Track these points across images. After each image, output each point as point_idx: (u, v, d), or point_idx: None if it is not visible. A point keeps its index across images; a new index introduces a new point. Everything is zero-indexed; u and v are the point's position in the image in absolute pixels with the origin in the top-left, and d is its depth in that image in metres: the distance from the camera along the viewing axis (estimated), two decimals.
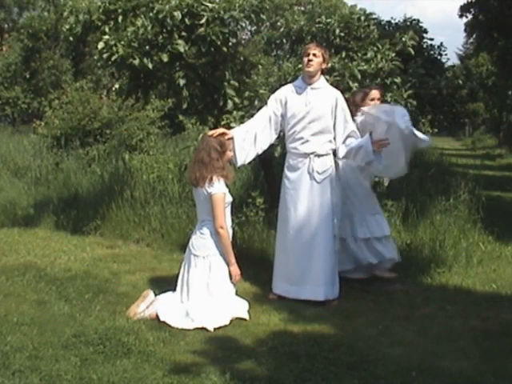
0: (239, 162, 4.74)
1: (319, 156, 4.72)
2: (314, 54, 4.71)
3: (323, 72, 4.87)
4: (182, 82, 5.65)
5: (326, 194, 4.73)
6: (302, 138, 4.72)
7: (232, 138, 4.60)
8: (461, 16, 13.93)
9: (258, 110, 4.97)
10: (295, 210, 4.76)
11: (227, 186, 4.39)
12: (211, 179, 4.26)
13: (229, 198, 4.40)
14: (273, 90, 5.15)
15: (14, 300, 4.55)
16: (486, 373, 3.41)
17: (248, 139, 4.72)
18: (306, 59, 4.73)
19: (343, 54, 5.98)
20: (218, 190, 4.25)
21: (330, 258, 4.73)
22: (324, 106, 4.71)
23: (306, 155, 4.72)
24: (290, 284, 4.75)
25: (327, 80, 5.01)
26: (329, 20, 6.30)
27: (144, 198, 7.17)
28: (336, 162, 4.85)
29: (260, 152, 4.82)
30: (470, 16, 13.89)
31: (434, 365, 3.52)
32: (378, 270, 5.22)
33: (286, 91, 4.84)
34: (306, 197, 4.74)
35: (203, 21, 5.36)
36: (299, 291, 4.72)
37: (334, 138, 4.77)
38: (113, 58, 5.39)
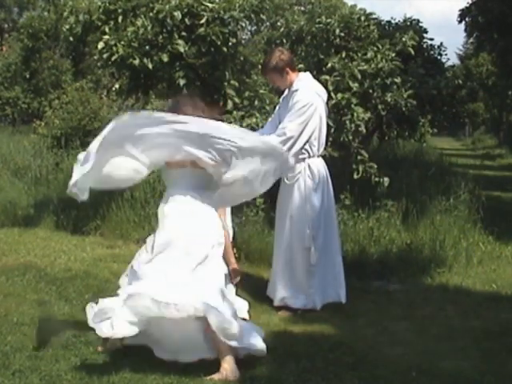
0: None
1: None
2: (273, 81, 4.61)
3: (293, 69, 4.49)
4: (182, 82, 5.65)
5: (298, 199, 4.44)
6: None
7: None
8: (460, 22, 13.97)
9: (258, 109, 4.97)
10: (279, 212, 4.63)
11: None
12: None
13: None
14: (272, 90, 5.15)
15: (14, 300, 4.54)
16: (485, 373, 3.40)
17: None
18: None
19: (343, 54, 5.98)
20: None
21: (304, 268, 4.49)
22: None
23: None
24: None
25: (327, 80, 5.00)
26: (329, 20, 6.31)
27: (144, 197, 7.15)
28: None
29: None
30: (468, 20, 13.90)
31: (434, 365, 3.51)
32: None
33: (282, 97, 4.87)
34: (284, 200, 4.54)
35: (203, 21, 5.38)
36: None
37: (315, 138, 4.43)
38: (113, 58, 5.41)
